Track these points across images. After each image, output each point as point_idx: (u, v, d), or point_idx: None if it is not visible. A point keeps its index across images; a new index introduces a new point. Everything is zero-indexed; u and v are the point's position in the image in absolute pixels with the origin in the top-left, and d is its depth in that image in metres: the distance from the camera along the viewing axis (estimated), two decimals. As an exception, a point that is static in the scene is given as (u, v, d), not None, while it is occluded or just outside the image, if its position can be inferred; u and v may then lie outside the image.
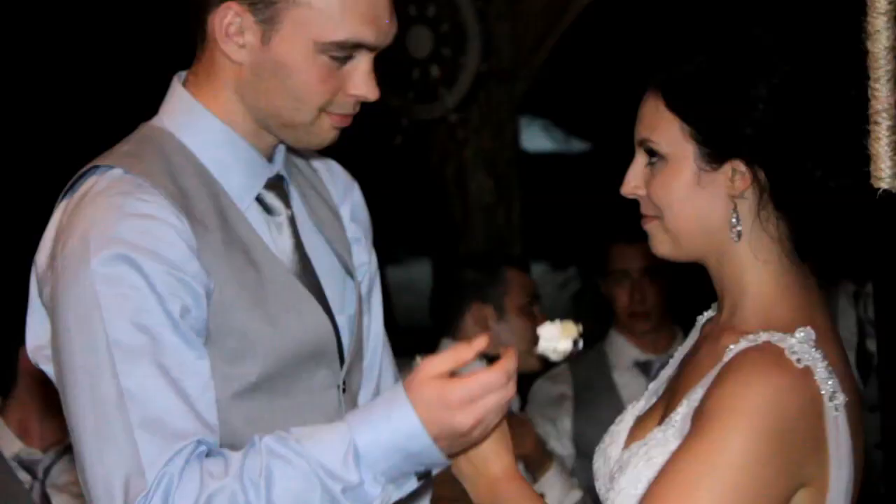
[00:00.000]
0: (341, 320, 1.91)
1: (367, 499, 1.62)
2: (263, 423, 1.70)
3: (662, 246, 1.77)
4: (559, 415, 3.84)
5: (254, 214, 1.86)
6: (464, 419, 1.62)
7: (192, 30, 1.82)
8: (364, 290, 2.03)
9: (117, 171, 1.75)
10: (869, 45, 1.30)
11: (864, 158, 1.65)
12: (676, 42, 1.77)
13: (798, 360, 1.61)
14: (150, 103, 1.94)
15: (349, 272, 1.99)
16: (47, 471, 3.30)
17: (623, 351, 3.92)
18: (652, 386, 1.90)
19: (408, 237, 7.29)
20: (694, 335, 1.90)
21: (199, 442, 1.62)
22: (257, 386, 1.74)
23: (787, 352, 1.61)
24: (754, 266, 1.73)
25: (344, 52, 1.76)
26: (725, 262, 1.75)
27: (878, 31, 1.30)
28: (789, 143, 1.69)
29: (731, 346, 1.67)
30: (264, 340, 1.77)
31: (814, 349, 1.62)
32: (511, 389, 1.66)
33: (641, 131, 1.76)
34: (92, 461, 1.63)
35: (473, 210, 5.18)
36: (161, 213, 1.71)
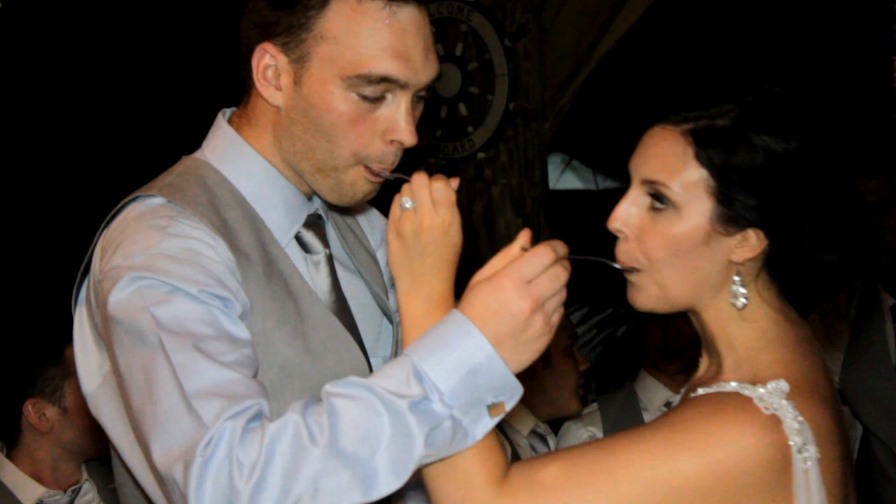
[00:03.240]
0: (375, 362, 1.90)
1: (434, 416, 1.53)
2: None
3: (648, 299, 1.73)
4: (589, 456, 3.78)
5: (293, 252, 1.86)
6: (520, 302, 1.56)
7: (242, 76, 1.84)
8: (400, 335, 2.02)
9: (159, 200, 1.76)
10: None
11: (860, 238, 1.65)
12: (702, 87, 1.72)
13: (765, 408, 1.58)
14: (186, 138, 1.96)
15: (387, 315, 1.98)
16: (69, 509, 3.34)
17: (654, 391, 3.88)
18: None
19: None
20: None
21: (260, 405, 1.56)
22: None
23: (754, 400, 1.59)
24: (740, 323, 1.70)
25: (372, 87, 1.74)
26: (711, 318, 1.72)
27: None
28: (805, 217, 1.65)
29: (700, 390, 1.65)
30: (303, 374, 1.77)
31: (784, 400, 1.59)
32: (563, 274, 1.60)
33: (652, 172, 1.69)
34: (157, 449, 1.55)
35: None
36: (203, 236, 1.71)
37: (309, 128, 1.78)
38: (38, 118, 6.04)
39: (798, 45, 5.78)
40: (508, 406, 1.59)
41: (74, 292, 1.83)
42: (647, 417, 3.83)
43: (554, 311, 1.61)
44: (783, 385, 1.60)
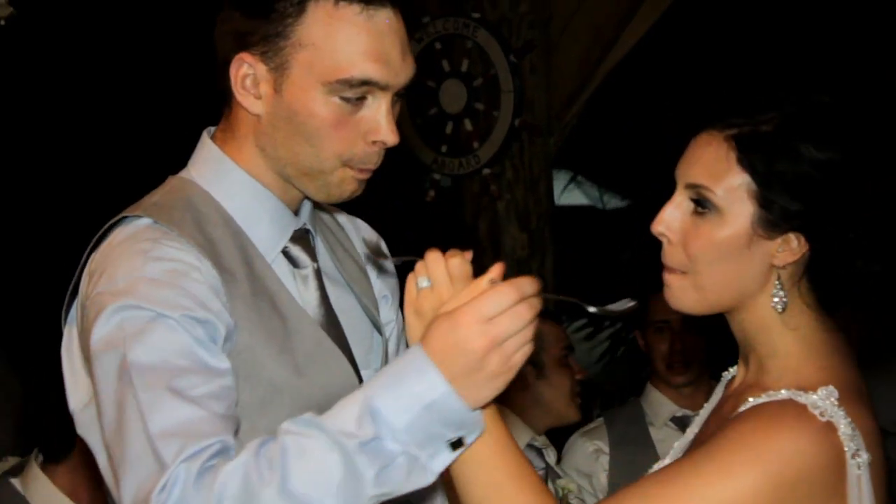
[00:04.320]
0: (367, 375, 1.90)
1: (386, 455, 1.52)
2: None
3: (686, 301, 1.73)
4: (595, 470, 3.79)
5: (280, 267, 1.87)
6: (476, 340, 1.52)
7: (221, 88, 1.85)
8: (391, 347, 2.03)
9: (146, 221, 1.77)
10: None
11: None
12: (740, 90, 1.73)
13: (821, 415, 1.58)
14: (177, 157, 1.97)
15: (377, 328, 1.99)
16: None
17: (660, 406, 3.88)
18: (678, 444, 1.87)
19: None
20: (719, 392, 1.87)
21: (223, 442, 1.56)
22: None
23: (809, 407, 1.59)
24: (783, 329, 1.70)
25: (353, 90, 1.76)
26: (753, 323, 1.72)
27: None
28: (846, 224, 1.65)
29: (751, 399, 1.65)
30: (291, 389, 1.77)
31: (836, 406, 1.60)
32: (527, 313, 1.55)
33: (696, 176, 1.70)
34: (124, 489, 1.57)
35: (506, 264, 5.13)
36: (187, 257, 1.72)
37: (292, 134, 1.79)
38: (34, 134, 6.06)
39: (804, 52, 5.80)
40: (468, 441, 1.58)
41: (63, 312, 1.84)
42: (652, 432, 3.83)
43: (516, 351, 1.56)
44: (833, 391, 1.61)
